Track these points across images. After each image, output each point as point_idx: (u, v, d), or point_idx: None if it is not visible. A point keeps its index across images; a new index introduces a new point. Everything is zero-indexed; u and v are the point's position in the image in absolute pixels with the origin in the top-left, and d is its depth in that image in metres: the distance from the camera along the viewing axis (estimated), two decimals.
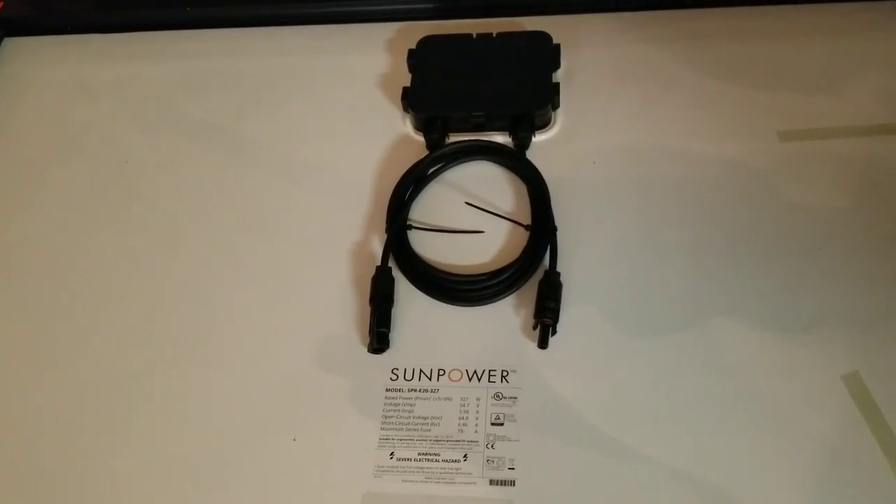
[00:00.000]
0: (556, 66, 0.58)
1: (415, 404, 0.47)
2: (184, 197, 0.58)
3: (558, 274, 0.49)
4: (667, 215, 0.52)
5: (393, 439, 0.46)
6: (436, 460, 0.45)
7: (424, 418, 0.46)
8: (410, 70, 0.59)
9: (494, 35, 0.59)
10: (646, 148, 0.55)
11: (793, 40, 0.59)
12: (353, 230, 0.54)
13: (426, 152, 0.56)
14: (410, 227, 0.53)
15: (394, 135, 0.58)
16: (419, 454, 0.45)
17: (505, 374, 0.47)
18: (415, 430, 0.46)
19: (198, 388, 0.49)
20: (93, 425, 0.49)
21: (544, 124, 0.57)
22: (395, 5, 0.65)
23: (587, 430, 0.45)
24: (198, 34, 0.66)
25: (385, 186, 0.55)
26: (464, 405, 0.47)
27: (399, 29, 0.64)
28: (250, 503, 0.45)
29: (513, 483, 0.44)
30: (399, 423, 0.46)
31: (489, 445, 0.45)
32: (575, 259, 0.51)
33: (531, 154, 0.56)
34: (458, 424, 0.46)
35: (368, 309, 0.50)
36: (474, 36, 0.59)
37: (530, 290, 0.49)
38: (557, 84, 0.57)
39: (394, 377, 0.48)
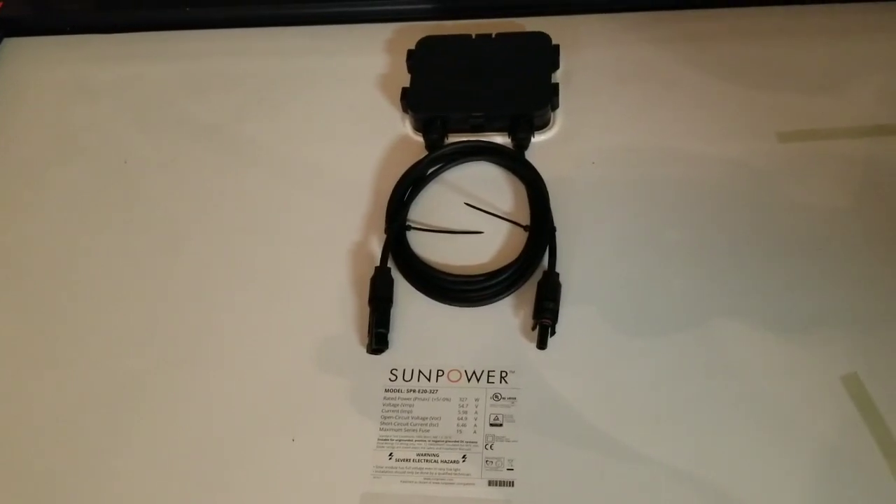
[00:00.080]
0: (556, 66, 0.58)
1: (413, 405, 0.47)
2: (184, 197, 0.58)
3: (557, 274, 0.49)
4: (667, 216, 0.52)
5: (392, 440, 0.46)
6: (434, 461, 0.45)
7: (423, 419, 0.46)
8: (410, 70, 0.59)
9: (493, 36, 0.59)
10: (645, 148, 0.55)
11: (793, 41, 0.59)
12: (353, 231, 0.54)
13: (425, 153, 0.56)
14: (409, 227, 0.53)
15: (393, 135, 0.58)
16: (418, 455, 0.45)
17: (504, 374, 0.47)
18: (413, 430, 0.46)
19: (197, 388, 0.49)
20: (92, 425, 0.49)
21: (543, 125, 0.57)
22: (394, 6, 0.65)
23: (586, 430, 0.45)
24: (198, 34, 0.66)
25: (384, 187, 0.55)
26: (462, 406, 0.47)
27: (398, 29, 0.64)
28: (249, 503, 0.45)
29: (511, 484, 0.44)
30: (398, 424, 0.46)
31: (488, 446, 0.45)
32: (574, 260, 0.51)
33: (530, 155, 0.56)
34: (457, 425, 0.46)
35: (367, 309, 0.50)
36: (473, 36, 0.59)
37: (529, 290, 0.49)
38: (556, 84, 0.57)
39: (393, 378, 0.48)
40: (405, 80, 0.59)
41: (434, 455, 0.45)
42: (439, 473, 0.45)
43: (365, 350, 0.49)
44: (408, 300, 0.51)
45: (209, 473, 0.46)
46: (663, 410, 0.45)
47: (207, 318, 0.52)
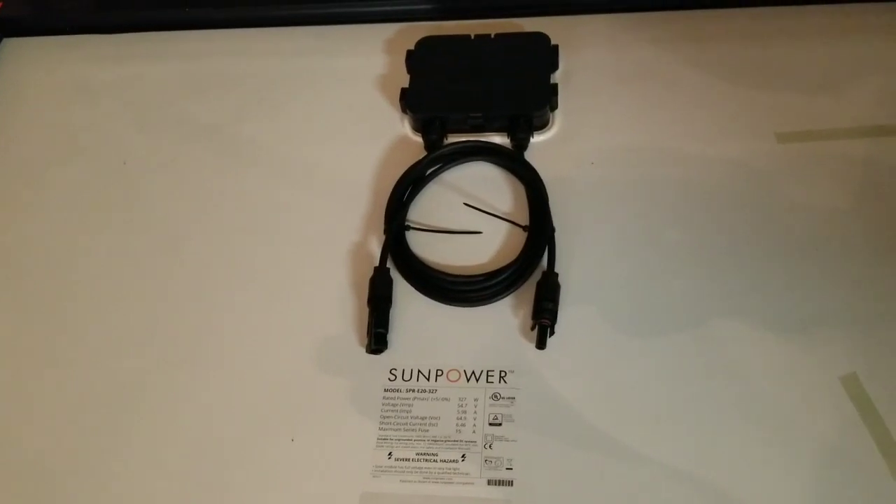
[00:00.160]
0: (555, 66, 0.58)
1: (413, 404, 0.47)
2: (183, 197, 0.58)
3: (556, 275, 0.49)
4: (666, 216, 0.52)
5: (391, 439, 0.46)
6: (434, 460, 0.45)
7: (422, 418, 0.47)
8: (409, 71, 0.59)
9: (493, 36, 0.59)
10: (645, 148, 0.55)
11: (793, 41, 0.59)
12: (352, 231, 0.54)
13: (424, 153, 0.56)
14: (409, 227, 0.53)
15: (392, 135, 0.58)
16: (417, 454, 0.45)
17: (503, 374, 0.47)
18: (413, 430, 0.46)
19: (197, 388, 0.49)
20: (92, 425, 0.49)
21: (542, 125, 0.57)
22: (393, 6, 0.65)
23: (585, 430, 0.45)
24: (198, 35, 0.67)
25: (383, 187, 0.55)
26: (462, 405, 0.47)
27: (398, 30, 0.64)
28: (249, 503, 0.45)
29: (510, 483, 0.44)
30: (397, 424, 0.46)
31: (487, 446, 0.45)
32: (573, 260, 0.51)
33: (529, 155, 0.56)
34: (456, 425, 0.46)
35: (367, 309, 0.50)
36: (472, 37, 0.59)
37: (528, 290, 0.49)
38: (556, 85, 0.57)
39: (392, 377, 0.48)
40: (404, 80, 0.59)
41: (433, 454, 0.45)
42: (439, 473, 0.45)
43: (364, 350, 0.49)
44: (407, 300, 0.51)
45: (209, 473, 0.46)
46: (663, 410, 0.45)
47: (207, 318, 0.52)
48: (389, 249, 0.52)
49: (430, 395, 0.47)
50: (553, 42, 0.59)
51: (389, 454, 0.46)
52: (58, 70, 0.66)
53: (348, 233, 0.54)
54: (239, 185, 0.58)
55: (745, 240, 0.51)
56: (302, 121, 0.60)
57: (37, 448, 0.48)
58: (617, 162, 0.55)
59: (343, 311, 0.51)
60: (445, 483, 0.44)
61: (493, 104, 0.56)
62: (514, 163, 0.55)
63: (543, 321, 0.47)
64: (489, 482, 0.44)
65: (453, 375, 0.48)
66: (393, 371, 0.48)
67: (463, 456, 0.45)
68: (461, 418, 0.46)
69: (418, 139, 0.57)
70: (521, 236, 0.52)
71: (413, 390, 0.47)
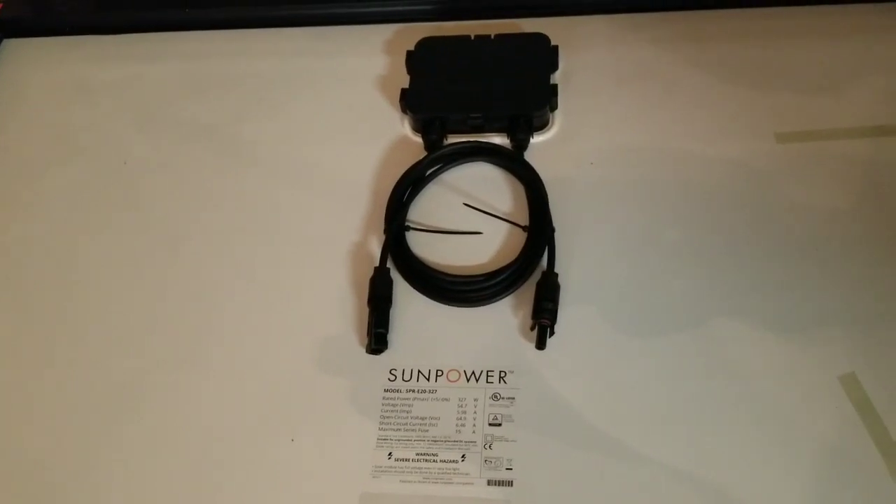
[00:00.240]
0: (555, 67, 0.58)
1: (413, 405, 0.47)
2: (183, 197, 0.58)
3: (556, 275, 0.49)
4: (666, 216, 0.52)
5: (391, 440, 0.46)
6: (434, 461, 0.45)
7: (422, 419, 0.46)
8: (409, 71, 0.59)
9: (492, 37, 0.59)
10: (645, 149, 0.55)
11: (793, 42, 0.59)
12: (352, 231, 0.54)
13: (424, 153, 0.56)
14: (409, 228, 0.53)
15: (392, 136, 0.58)
16: (417, 454, 0.45)
17: (503, 374, 0.47)
18: (413, 430, 0.46)
19: (196, 388, 0.49)
20: (91, 425, 0.49)
21: (542, 125, 0.57)
22: (393, 7, 0.65)
23: (585, 430, 0.45)
24: (197, 35, 0.67)
25: (383, 187, 0.55)
26: (461, 406, 0.47)
27: (397, 30, 0.64)
28: (249, 503, 0.45)
29: (510, 483, 0.44)
30: (397, 424, 0.46)
31: (487, 446, 0.45)
32: (573, 260, 0.51)
33: (529, 155, 0.56)
34: (456, 425, 0.46)
35: (367, 309, 0.50)
36: (472, 37, 0.59)
37: (528, 291, 0.49)
38: (555, 85, 0.57)
39: (392, 378, 0.48)
40: (404, 80, 0.59)
41: (433, 455, 0.45)
42: (438, 473, 0.45)
43: (364, 350, 0.49)
44: (407, 300, 0.51)
45: (209, 473, 0.46)
46: (663, 410, 0.45)
47: (207, 318, 0.52)
48: (389, 249, 0.52)
49: (430, 395, 0.47)
50: (553, 42, 0.59)
51: (389, 454, 0.46)
52: (58, 70, 0.66)
53: (348, 233, 0.54)
54: (239, 185, 0.58)
55: (745, 240, 0.51)
56: (302, 121, 0.60)
57: (37, 448, 0.48)
58: (617, 162, 0.55)
59: (343, 311, 0.51)
60: (445, 483, 0.44)
61: (493, 104, 0.56)
62: (513, 163, 0.55)
63: (543, 321, 0.47)
64: (489, 482, 0.44)
65: (453, 376, 0.48)
66: (393, 371, 0.48)
67: (463, 456, 0.45)
68: (461, 418, 0.46)
69: (418, 139, 0.57)
70: (521, 236, 0.52)
71: (413, 390, 0.47)
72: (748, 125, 0.55)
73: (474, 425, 0.46)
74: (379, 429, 0.46)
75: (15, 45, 0.69)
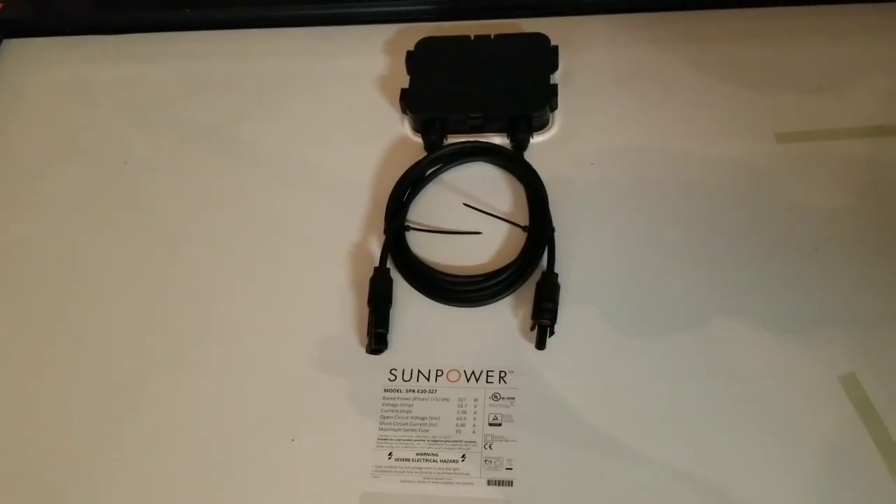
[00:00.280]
0: (554, 67, 0.58)
1: (413, 405, 0.47)
2: (183, 197, 0.58)
3: (556, 275, 0.49)
4: (666, 216, 0.52)
5: (391, 439, 0.46)
6: (434, 460, 0.45)
7: (422, 419, 0.46)
8: (409, 71, 0.59)
9: (492, 37, 0.59)
10: (644, 149, 0.55)
11: (793, 42, 0.59)
12: (352, 231, 0.54)
13: (424, 153, 0.56)
14: (409, 228, 0.53)
15: (392, 136, 0.58)
16: (417, 454, 0.45)
17: (503, 374, 0.47)
18: (413, 430, 0.46)
19: (197, 388, 0.49)
20: (92, 425, 0.49)
21: (542, 126, 0.57)
22: (393, 7, 0.65)
23: (585, 430, 0.45)
24: (197, 35, 0.67)
25: (383, 188, 0.55)
26: (462, 406, 0.47)
27: (397, 31, 0.64)
28: (248, 503, 0.45)
29: (510, 483, 0.44)
30: (397, 424, 0.46)
31: (487, 446, 0.45)
32: (573, 260, 0.51)
33: (529, 155, 0.56)
34: (456, 425, 0.46)
35: (367, 310, 0.50)
36: (472, 38, 0.59)
37: (528, 291, 0.49)
38: (555, 85, 0.57)
39: (392, 378, 0.48)
40: (404, 80, 0.59)
41: (433, 455, 0.45)
42: (438, 473, 0.45)
43: (364, 350, 0.49)
44: (407, 300, 0.51)
45: (209, 473, 0.46)
46: (663, 410, 0.45)
47: (207, 318, 0.52)
48: (389, 249, 0.52)
49: (430, 395, 0.47)
50: (553, 42, 0.59)
51: (389, 454, 0.46)
52: (58, 70, 0.66)
53: (348, 233, 0.54)
54: (239, 185, 0.58)
55: (745, 240, 0.51)
56: (302, 121, 0.60)
57: (36, 448, 0.48)
58: (617, 162, 0.55)
59: (343, 311, 0.51)
60: (445, 483, 0.44)
61: (493, 105, 0.56)
62: (513, 163, 0.55)
63: (543, 321, 0.47)
64: (489, 482, 0.44)
65: (453, 376, 0.48)
66: (393, 371, 0.48)
67: (463, 456, 0.45)
68: (461, 418, 0.46)
69: (418, 139, 0.57)
70: (521, 236, 0.52)
71: (413, 390, 0.47)
72: (748, 125, 0.55)
73: (474, 425, 0.46)
74: (379, 429, 0.46)
75: (15, 45, 0.69)
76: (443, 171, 0.56)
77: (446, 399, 0.47)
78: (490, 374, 0.48)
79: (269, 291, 0.52)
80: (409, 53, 0.60)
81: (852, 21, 0.60)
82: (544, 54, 0.58)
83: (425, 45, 0.60)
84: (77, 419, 0.49)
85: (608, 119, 0.57)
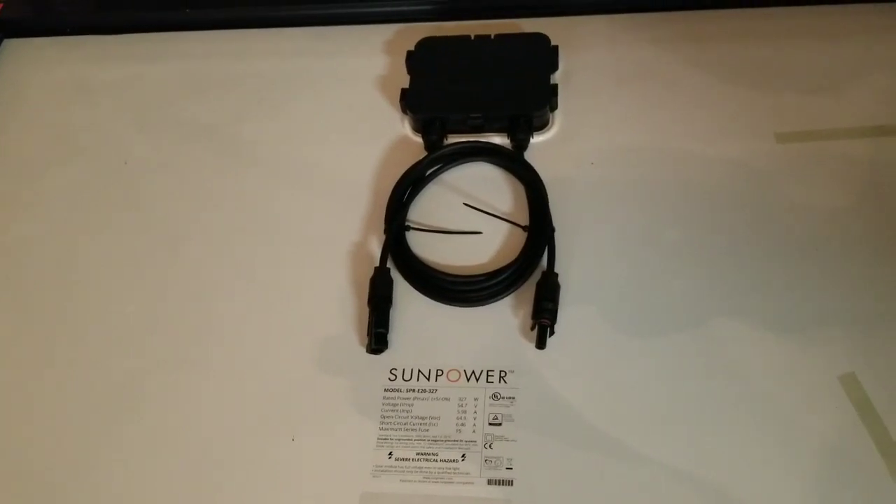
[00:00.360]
0: (555, 67, 0.58)
1: (413, 404, 0.47)
2: (183, 197, 0.58)
3: (556, 275, 0.49)
4: (666, 216, 0.52)
5: (391, 439, 0.46)
6: (434, 460, 0.45)
7: (423, 418, 0.46)
8: (409, 71, 0.59)
9: (493, 37, 0.59)
10: (645, 149, 0.55)
11: (793, 42, 0.59)
12: (352, 231, 0.54)
13: (424, 153, 0.56)
14: (409, 228, 0.53)
15: (392, 136, 0.58)
16: (417, 454, 0.45)
17: (503, 374, 0.47)
18: (413, 430, 0.46)
19: (197, 388, 0.49)
20: (91, 425, 0.49)
21: (542, 125, 0.57)
22: (393, 7, 0.65)
23: (585, 430, 0.45)
24: (197, 35, 0.67)
25: (383, 187, 0.55)
26: (462, 405, 0.47)
27: (398, 31, 0.64)
28: (248, 503, 0.45)
29: (510, 483, 0.44)
30: (397, 423, 0.46)
31: (487, 445, 0.45)
32: (573, 260, 0.51)
33: (529, 155, 0.56)
34: (456, 424, 0.46)
35: (367, 309, 0.50)
36: (472, 38, 0.59)
37: (528, 290, 0.49)
38: (555, 85, 0.57)
39: (392, 377, 0.48)
40: (404, 80, 0.59)
41: (433, 454, 0.45)
42: (439, 472, 0.45)
43: (364, 350, 0.49)
44: (407, 300, 0.51)
45: (209, 473, 0.46)
46: (663, 410, 0.45)
47: (207, 318, 0.52)
48: (389, 249, 0.52)
49: (431, 394, 0.47)
50: (553, 43, 0.59)
51: (390, 454, 0.46)
52: (58, 70, 0.66)
53: (348, 233, 0.54)
54: (239, 185, 0.58)
55: (745, 240, 0.51)
56: (302, 121, 0.60)
57: (36, 448, 0.48)
58: (617, 162, 0.55)
59: (343, 311, 0.51)
60: (445, 483, 0.44)
61: (493, 104, 0.56)
62: (513, 163, 0.55)
63: (543, 321, 0.47)
64: (489, 482, 0.44)
65: (453, 375, 0.48)
66: (393, 371, 0.48)
67: (463, 456, 0.45)
68: (461, 418, 0.46)
69: (418, 139, 0.57)
70: (521, 236, 0.52)
71: (413, 390, 0.47)
72: (748, 125, 0.55)
73: (474, 425, 0.46)
74: (379, 428, 0.46)
75: (15, 45, 0.69)
76: (443, 171, 0.56)
77: (446, 399, 0.47)
78: (490, 373, 0.48)
79: (269, 291, 0.52)
80: (409, 53, 0.60)
81: (852, 21, 0.60)
82: (544, 54, 0.58)
83: (425, 45, 0.60)
84: (77, 419, 0.49)
85: (608, 119, 0.57)
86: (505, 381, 0.47)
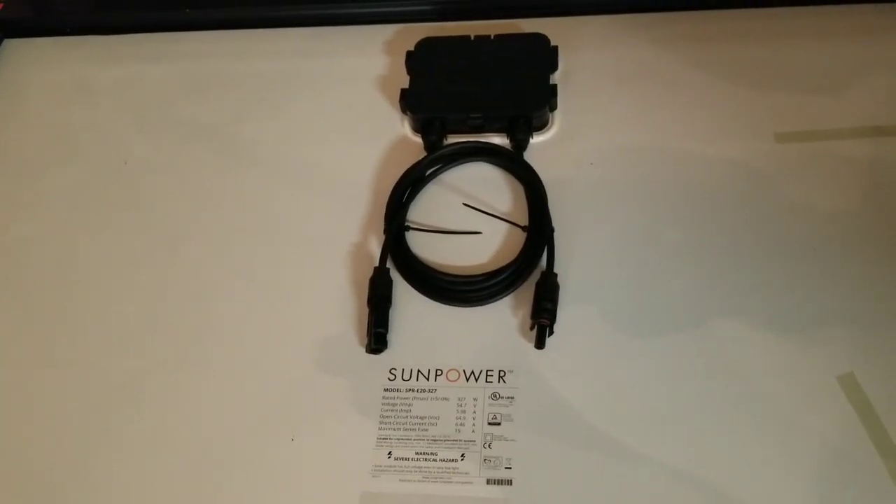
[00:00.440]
0: (554, 67, 0.58)
1: (412, 404, 0.47)
2: (183, 197, 0.58)
3: (555, 275, 0.49)
4: (666, 216, 0.52)
5: (390, 439, 0.46)
6: (433, 460, 0.45)
7: (422, 418, 0.46)
8: (409, 72, 0.59)
9: (492, 37, 0.59)
10: (644, 149, 0.55)
11: (793, 42, 0.59)
12: (352, 231, 0.54)
13: (424, 153, 0.56)
14: (408, 228, 0.53)
15: (392, 136, 0.58)
16: (417, 454, 0.45)
17: (502, 374, 0.47)
18: (412, 429, 0.46)
19: (196, 388, 0.49)
20: (91, 425, 0.49)
21: (542, 126, 0.57)
22: (393, 7, 0.65)
23: (584, 429, 0.45)
24: (197, 36, 0.67)
25: (383, 188, 0.55)
26: (461, 405, 0.47)
27: (397, 31, 0.64)
28: (248, 503, 0.45)
29: (509, 482, 0.44)
30: (397, 423, 0.46)
31: (486, 445, 0.45)
32: (572, 260, 0.51)
33: (529, 155, 0.56)
34: (456, 424, 0.46)
35: (366, 309, 0.50)
36: (472, 38, 0.59)
37: (527, 290, 0.49)
38: (555, 86, 0.57)
39: (391, 377, 0.48)
40: (404, 81, 0.59)
41: (433, 454, 0.45)
42: (438, 472, 0.45)
43: (364, 350, 0.49)
44: (406, 300, 0.51)
45: (209, 473, 0.46)
46: (663, 410, 0.45)
47: (207, 318, 0.52)
48: (389, 249, 0.52)
49: (430, 394, 0.47)
50: (553, 43, 0.59)
51: (389, 453, 0.46)
52: (58, 70, 0.66)
53: (348, 233, 0.54)
54: (239, 185, 0.58)
55: (745, 240, 0.51)
56: (302, 121, 0.60)
57: (36, 448, 0.48)
58: (616, 162, 0.55)
59: (343, 311, 0.51)
60: (445, 482, 0.44)
61: (493, 105, 0.56)
62: (513, 163, 0.55)
63: (542, 321, 0.47)
64: (488, 481, 0.44)
65: (453, 375, 0.48)
66: (392, 371, 0.48)
67: (462, 455, 0.45)
68: (460, 418, 0.46)
69: (418, 140, 0.57)
70: (521, 236, 0.52)
71: (413, 390, 0.47)
72: (748, 125, 0.55)
73: (474, 424, 0.46)
74: (379, 428, 0.46)
75: (15, 45, 0.69)
76: (442, 171, 0.56)
77: (446, 398, 0.47)
78: (489, 373, 0.48)
79: (269, 291, 0.53)
80: (408, 53, 0.60)
81: (852, 21, 0.60)
82: (544, 54, 0.58)
83: (425, 45, 0.60)
84: (77, 419, 0.49)
85: (608, 119, 0.57)
86: (504, 381, 0.47)
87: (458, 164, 0.56)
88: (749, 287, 0.49)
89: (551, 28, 0.60)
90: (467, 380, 0.48)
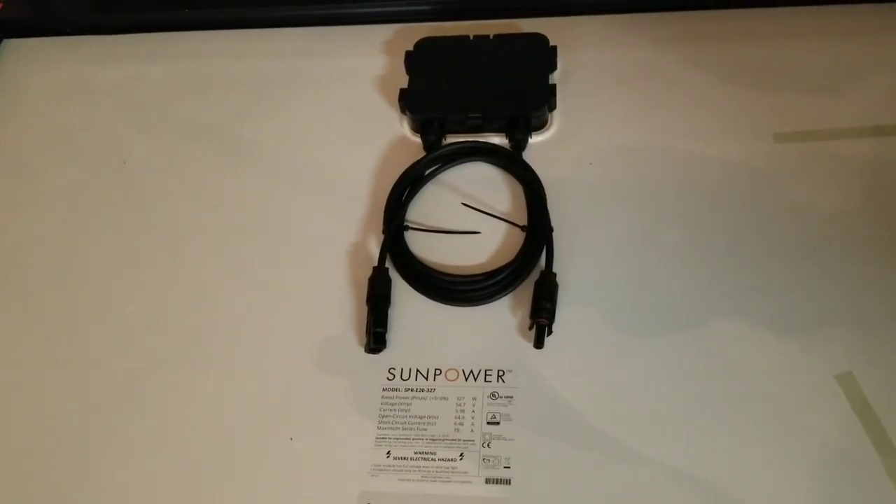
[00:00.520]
0: (553, 67, 0.58)
1: (411, 404, 0.47)
2: (183, 197, 0.58)
3: (554, 275, 0.49)
4: (665, 216, 0.52)
5: (389, 438, 0.46)
6: (432, 459, 0.45)
7: (421, 417, 0.46)
8: (408, 72, 0.59)
9: (491, 37, 0.59)
10: (643, 149, 0.55)
11: (792, 42, 0.59)
12: (351, 231, 0.54)
13: (423, 153, 0.56)
14: (407, 227, 0.53)
15: (391, 136, 0.58)
16: (416, 453, 0.45)
17: (501, 373, 0.47)
18: (411, 429, 0.46)
19: (196, 388, 0.49)
20: (91, 425, 0.49)
21: (541, 126, 0.57)
22: (393, 7, 0.65)
23: (583, 429, 0.45)
24: (197, 36, 0.67)
25: (382, 187, 0.55)
26: (460, 404, 0.47)
27: (396, 31, 0.64)
28: (247, 503, 0.45)
29: (508, 482, 0.44)
30: (396, 423, 0.46)
31: (485, 444, 0.45)
32: (571, 260, 0.51)
33: (528, 155, 0.56)
34: (455, 424, 0.46)
35: (365, 309, 0.50)
36: (471, 38, 0.59)
37: (527, 290, 0.49)
38: (554, 85, 0.57)
39: (390, 377, 0.48)
40: (403, 81, 0.59)
41: (432, 453, 0.45)
42: (437, 471, 0.45)
43: (363, 349, 0.49)
44: (405, 300, 0.51)
45: (208, 473, 0.46)
46: (663, 410, 0.45)
47: (207, 318, 0.52)
48: (388, 249, 0.52)
49: (429, 394, 0.47)
50: (552, 43, 0.59)
51: (388, 453, 0.46)
52: (58, 70, 0.67)
53: (347, 233, 0.54)
54: (239, 185, 0.58)
55: (745, 240, 0.51)
56: (302, 121, 0.60)
57: (36, 448, 0.48)
58: (616, 162, 0.55)
59: (342, 310, 0.51)
60: (444, 482, 0.44)
61: (492, 105, 0.56)
62: (512, 163, 0.55)
63: (541, 321, 0.47)
64: (487, 481, 0.44)
65: (452, 375, 0.48)
66: (391, 370, 0.48)
67: (461, 455, 0.45)
68: (459, 417, 0.46)
69: (417, 140, 0.57)
70: (520, 236, 0.52)
71: (412, 389, 0.47)
72: (748, 125, 0.55)
73: (473, 424, 0.46)
74: (378, 427, 0.46)
75: (15, 45, 0.69)
76: (441, 171, 0.56)
77: (445, 398, 0.47)
78: (488, 373, 0.48)
79: (269, 291, 0.53)
80: (408, 53, 0.60)
81: (852, 21, 0.60)
82: (543, 54, 0.58)
83: (424, 45, 0.60)
84: (77, 419, 0.49)
85: (607, 119, 0.57)
86: (503, 381, 0.47)
87: (457, 164, 0.56)
88: (749, 287, 0.49)
89: (550, 28, 0.60)
90: (466, 379, 0.48)
